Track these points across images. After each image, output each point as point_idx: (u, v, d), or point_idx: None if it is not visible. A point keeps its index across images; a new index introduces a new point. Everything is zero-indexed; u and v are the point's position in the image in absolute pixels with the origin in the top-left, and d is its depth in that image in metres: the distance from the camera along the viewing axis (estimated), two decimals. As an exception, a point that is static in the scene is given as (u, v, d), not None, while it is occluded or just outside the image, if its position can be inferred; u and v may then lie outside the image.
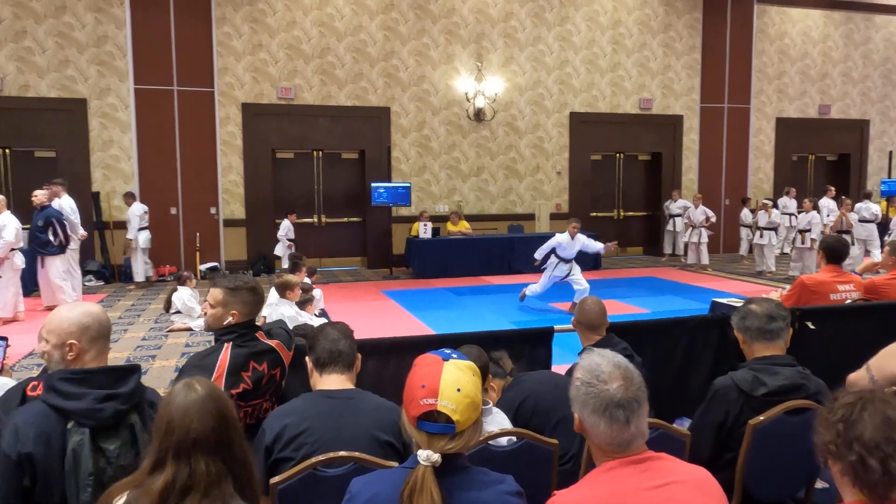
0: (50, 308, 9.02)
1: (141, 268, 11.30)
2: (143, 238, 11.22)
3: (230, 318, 2.71)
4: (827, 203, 13.21)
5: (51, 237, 9.03)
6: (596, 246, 9.57)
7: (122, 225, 12.03)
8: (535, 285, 9.32)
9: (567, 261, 9.20)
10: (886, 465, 1.50)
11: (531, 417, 2.72)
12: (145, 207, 11.38)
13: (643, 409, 1.59)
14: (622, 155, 15.64)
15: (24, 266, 8.83)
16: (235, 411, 1.66)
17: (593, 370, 1.62)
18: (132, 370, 2.07)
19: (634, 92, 15.08)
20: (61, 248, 9.16)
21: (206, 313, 2.83)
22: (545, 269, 9.32)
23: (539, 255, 9.35)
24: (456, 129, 13.94)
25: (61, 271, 9.14)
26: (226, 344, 2.65)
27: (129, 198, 11.36)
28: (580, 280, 9.19)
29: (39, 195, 9.26)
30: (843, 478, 1.56)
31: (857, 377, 2.66)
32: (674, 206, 14.61)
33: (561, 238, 9.16)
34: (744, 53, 15.66)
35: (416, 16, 13.49)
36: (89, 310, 2.13)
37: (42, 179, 10.17)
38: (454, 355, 1.61)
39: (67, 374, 2.00)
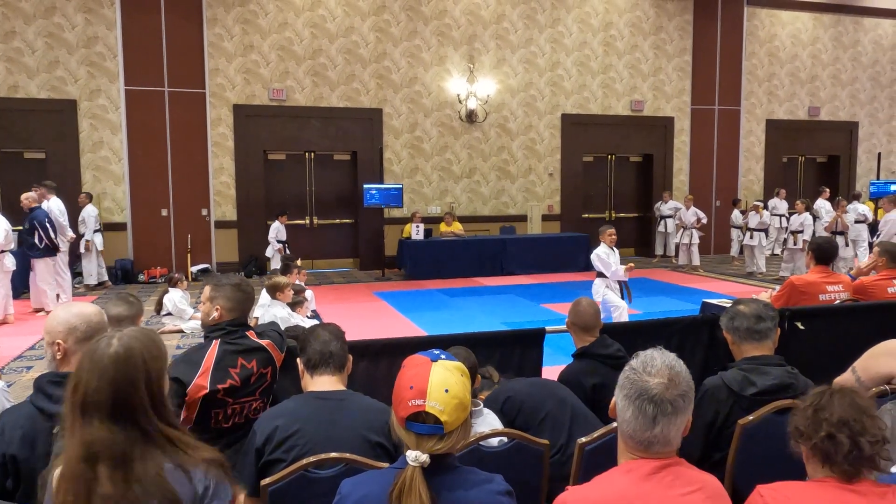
0: (38, 310, 9.08)
1: (95, 269, 11.25)
2: (99, 240, 11.26)
3: (215, 314, 2.77)
4: (823, 204, 13.29)
5: (35, 240, 8.97)
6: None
7: (114, 227, 11.99)
8: (620, 313, 7.11)
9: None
10: (856, 441, 1.58)
11: (517, 415, 2.73)
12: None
13: (678, 417, 1.58)
14: (613, 156, 15.70)
15: (14, 268, 8.78)
16: (151, 380, 1.53)
17: (646, 361, 1.65)
18: None
19: (626, 94, 15.14)
20: (47, 252, 9.09)
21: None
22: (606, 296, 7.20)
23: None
24: (448, 130, 13.95)
25: (45, 275, 9.09)
26: (214, 340, 2.69)
27: (85, 197, 11.27)
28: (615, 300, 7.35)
29: (28, 198, 9.21)
30: (812, 458, 1.66)
31: (844, 380, 2.68)
32: (664, 208, 14.67)
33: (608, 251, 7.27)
34: (734, 56, 15.76)
35: (408, 17, 13.49)
36: (81, 311, 2.11)
37: (31, 181, 10.12)
38: (442, 356, 1.62)
39: (55, 377, 1.99)
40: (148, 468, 1.45)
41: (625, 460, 1.61)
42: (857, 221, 12.22)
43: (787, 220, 13.08)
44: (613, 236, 7.28)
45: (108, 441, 1.44)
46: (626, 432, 1.61)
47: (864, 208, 12.47)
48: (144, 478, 1.44)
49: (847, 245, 11.69)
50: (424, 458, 1.50)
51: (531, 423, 2.68)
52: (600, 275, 7.23)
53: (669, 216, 14.50)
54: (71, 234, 10.04)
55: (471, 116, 13.91)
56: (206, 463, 1.54)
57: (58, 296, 9.36)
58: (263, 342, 2.78)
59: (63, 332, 2.05)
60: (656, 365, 1.62)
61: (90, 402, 1.46)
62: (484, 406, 2.73)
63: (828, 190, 14.22)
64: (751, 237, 12.60)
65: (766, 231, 12.68)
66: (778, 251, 14.91)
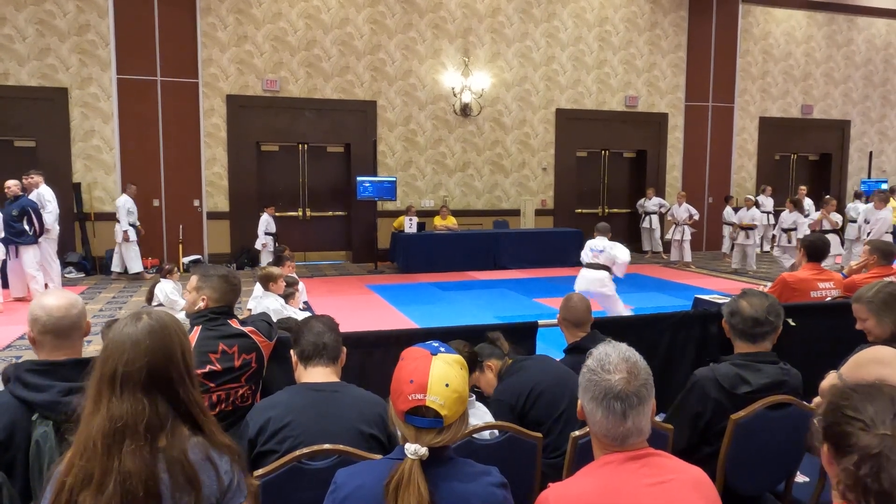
0: (18, 299, 9.02)
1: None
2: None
3: (201, 303, 2.83)
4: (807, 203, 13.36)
5: (26, 226, 8.93)
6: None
7: (104, 216, 11.90)
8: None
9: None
10: None
11: (531, 408, 2.73)
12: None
13: (645, 406, 1.60)
14: (607, 152, 15.71)
15: (4, 257, 8.72)
16: (185, 352, 1.54)
17: (601, 359, 1.64)
18: None
19: (620, 89, 15.14)
20: (36, 239, 9.07)
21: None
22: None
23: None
24: (442, 123, 13.92)
25: (35, 261, 9.05)
26: (196, 326, 2.74)
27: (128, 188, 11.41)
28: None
29: (13, 186, 9.15)
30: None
31: (830, 386, 2.66)
32: (649, 204, 14.70)
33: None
34: (728, 52, 15.78)
35: (403, 9, 13.44)
36: (47, 302, 2.09)
37: (21, 169, 10.00)
38: (442, 349, 1.62)
39: (33, 366, 1.99)
40: (174, 445, 1.44)
41: (602, 454, 1.63)
42: (855, 221, 12.28)
43: (775, 216, 13.13)
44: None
45: (140, 414, 1.42)
46: (600, 432, 1.61)
47: (862, 207, 12.52)
48: (168, 454, 1.43)
49: (842, 244, 11.75)
50: (424, 451, 1.50)
51: (545, 419, 2.68)
52: (606, 268, 7.24)
53: (653, 212, 14.56)
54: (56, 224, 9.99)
55: (465, 110, 13.88)
56: (230, 451, 1.54)
57: (46, 284, 9.30)
58: (246, 329, 2.82)
59: (30, 322, 2.07)
60: (612, 360, 1.63)
61: (123, 373, 1.44)
62: (500, 394, 2.75)
63: (804, 188, 14.29)
64: (746, 237, 12.63)
65: (755, 228, 12.71)
66: (767, 248, 14.98)
